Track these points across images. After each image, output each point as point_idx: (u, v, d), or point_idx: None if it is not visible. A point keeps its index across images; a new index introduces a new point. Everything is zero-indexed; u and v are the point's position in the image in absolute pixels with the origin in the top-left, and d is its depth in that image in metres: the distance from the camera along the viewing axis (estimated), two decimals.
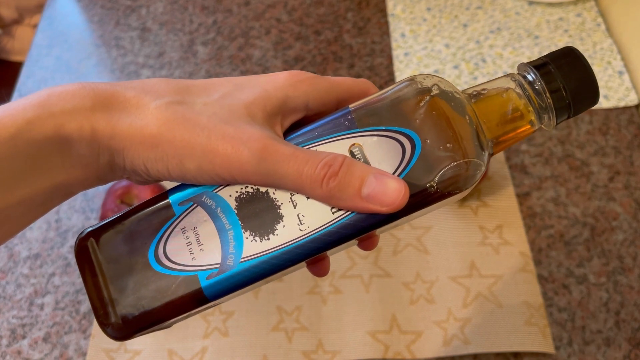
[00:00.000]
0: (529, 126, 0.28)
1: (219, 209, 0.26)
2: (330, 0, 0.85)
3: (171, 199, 0.27)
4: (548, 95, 0.27)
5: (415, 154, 0.26)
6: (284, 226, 0.26)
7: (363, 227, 0.26)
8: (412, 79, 0.27)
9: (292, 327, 0.56)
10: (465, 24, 0.81)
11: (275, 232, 0.26)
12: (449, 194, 0.26)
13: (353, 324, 0.56)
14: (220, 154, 0.25)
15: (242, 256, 0.26)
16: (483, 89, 0.28)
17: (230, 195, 0.26)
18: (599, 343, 0.55)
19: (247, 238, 0.26)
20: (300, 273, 0.59)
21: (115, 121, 0.26)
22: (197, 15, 0.84)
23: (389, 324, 0.56)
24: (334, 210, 0.26)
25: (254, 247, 0.26)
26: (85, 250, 0.27)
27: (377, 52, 0.78)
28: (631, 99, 0.72)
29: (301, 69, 0.77)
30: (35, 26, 1.17)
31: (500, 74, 0.75)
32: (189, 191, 0.27)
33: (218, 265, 0.26)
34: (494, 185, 0.65)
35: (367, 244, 0.31)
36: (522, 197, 0.64)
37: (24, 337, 0.56)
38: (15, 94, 0.76)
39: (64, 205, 0.66)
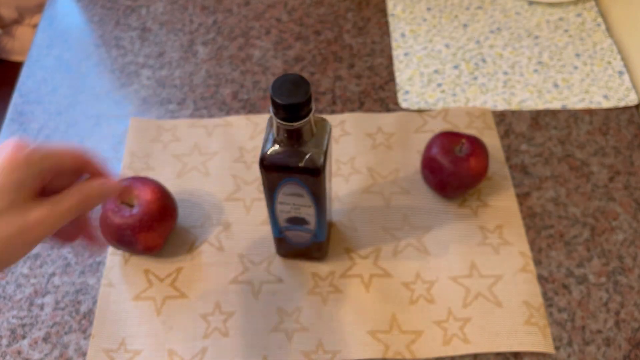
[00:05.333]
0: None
1: None
2: (330, 0, 0.85)
3: None
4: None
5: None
6: None
7: None
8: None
9: (292, 328, 0.56)
10: (465, 24, 0.81)
11: None
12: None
13: (353, 324, 0.56)
14: None
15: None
16: None
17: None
18: (599, 343, 0.55)
19: None
20: (300, 274, 0.59)
21: None
22: (197, 15, 0.84)
23: (389, 324, 0.56)
24: None
25: None
26: None
27: (377, 52, 0.78)
28: (631, 99, 0.72)
29: (301, 69, 0.77)
30: (35, 26, 1.17)
31: (500, 74, 0.75)
32: None
33: None
34: (494, 185, 0.65)
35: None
36: (522, 197, 0.64)
37: (24, 337, 0.56)
38: (15, 93, 0.76)
39: None
